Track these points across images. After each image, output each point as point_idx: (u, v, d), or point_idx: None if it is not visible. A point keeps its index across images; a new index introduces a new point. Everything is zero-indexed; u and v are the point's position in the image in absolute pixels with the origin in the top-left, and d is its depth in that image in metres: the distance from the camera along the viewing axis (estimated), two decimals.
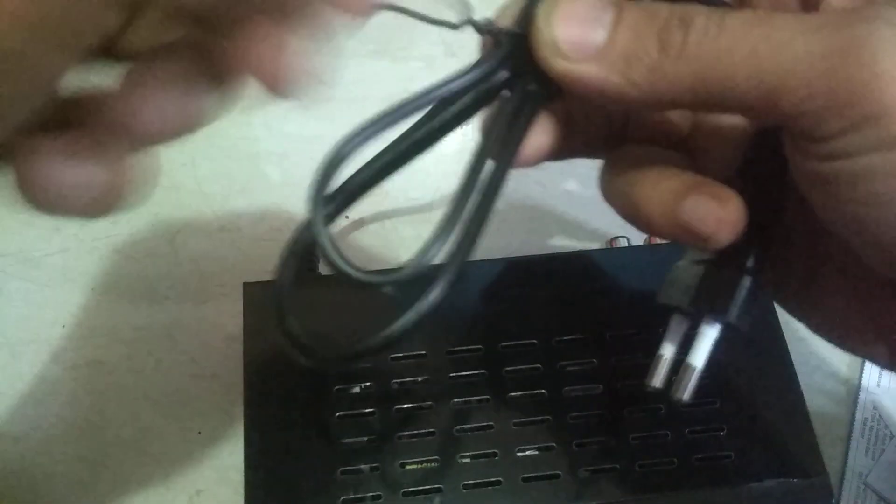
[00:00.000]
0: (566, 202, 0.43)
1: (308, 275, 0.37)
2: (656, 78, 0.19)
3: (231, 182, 0.44)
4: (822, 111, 0.18)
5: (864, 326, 0.24)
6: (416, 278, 0.20)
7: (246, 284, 0.35)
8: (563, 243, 0.42)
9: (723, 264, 0.23)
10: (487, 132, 0.22)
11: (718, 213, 0.21)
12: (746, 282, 0.23)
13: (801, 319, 0.27)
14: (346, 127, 0.48)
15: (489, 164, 0.21)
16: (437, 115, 0.22)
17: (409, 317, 0.20)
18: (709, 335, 0.24)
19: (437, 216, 0.43)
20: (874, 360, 0.26)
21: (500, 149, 0.22)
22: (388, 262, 0.42)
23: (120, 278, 0.41)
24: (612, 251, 0.39)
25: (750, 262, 0.23)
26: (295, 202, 0.44)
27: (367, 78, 0.47)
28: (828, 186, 0.19)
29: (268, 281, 0.35)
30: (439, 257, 0.20)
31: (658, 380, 0.26)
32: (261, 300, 0.35)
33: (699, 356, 0.24)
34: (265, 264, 0.41)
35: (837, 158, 0.18)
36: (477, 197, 0.21)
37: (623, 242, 0.39)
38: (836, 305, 0.25)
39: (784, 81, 0.18)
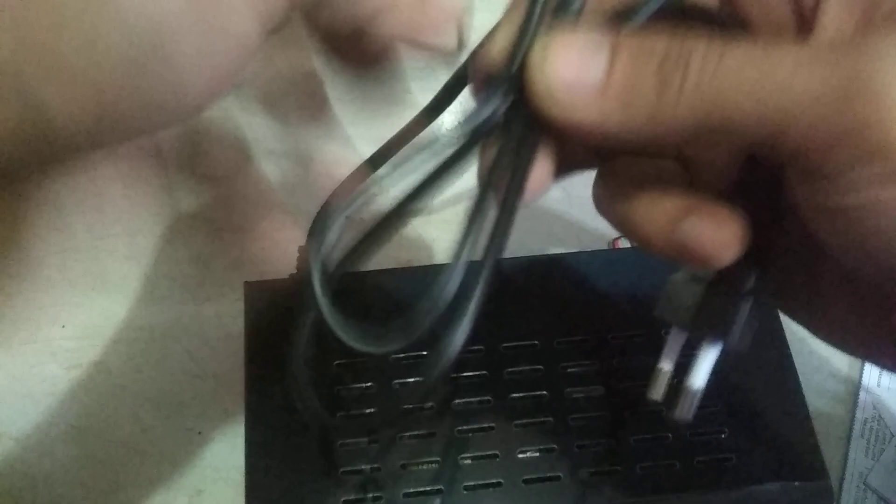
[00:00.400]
0: (567, 202, 0.43)
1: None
2: (656, 120, 0.19)
3: (231, 181, 0.44)
4: (828, 147, 0.17)
5: (866, 329, 0.24)
6: (420, 339, 0.20)
7: (247, 283, 0.35)
8: (564, 244, 0.42)
9: (722, 285, 0.23)
10: (487, 179, 0.21)
11: (718, 235, 0.21)
12: (747, 304, 0.23)
13: (802, 324, 0.27)
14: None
15: (492, 212, 0.21)
16: (433, 170, 0.21)
17: (424, 386, 0.20)
18: (709, 357, 0.24)
19: (436, 216, 0.43)
20: (878, 363, 0.26)
21: (503, 195, 0.21)
22: (387, 262, 0.42)
23: (120, 278, 0.41)
24: (613, 252, 0.39)
25: (750, 284, 0.23)
26: (295, 202, 0.44)
27: None
28: (835, 220, 0.19)
29: (269, 280, 0.35)
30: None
31: (658, 393, 0.26)
32: (262, 299, 0.35)
33: (699, 378, 0.24)
34: (265, 264, 0.42)
35: (844, 193, 0.18)
36: (483, 246, 0.21)
37: (625, 243, 0.39)
38: (837, 309, 0.24)
39: (787, 119, 0.17)
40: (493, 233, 0.21)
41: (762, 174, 0.23)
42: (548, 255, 0.36)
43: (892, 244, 0.18)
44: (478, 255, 0.21)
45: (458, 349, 0.20)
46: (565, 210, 0.43)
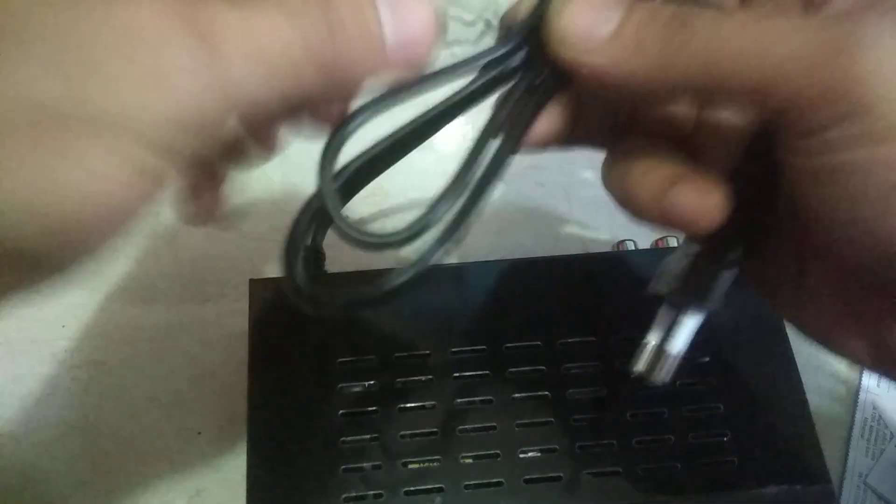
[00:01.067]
0: (569, 204, 0.43)
1: (316, 272, 0.37)
2: (658, 69, 0.21)
3: (231, 182, 0.44)
4: (810, 105, 0.19)
5: (848, 326, 0.25)
6: (414, 239, 0.21)
7: (252, 282, 0.35)
8: (566, 246, 0.42)
9: (706, 257, 0.25)
10: (498, 111, 0.23)
11: (701, 203, 0.22)
12: (729, 274, 0.24)
13: (791, 321, 0.27)
14: None
15: (497, 142, 0.23)
16: (448, 98, 0.23)
17: (410, 271, 0.21)
18: (688, 323, 0.25)
19: None
20: (859, 361, 0.26)
21: (508, 128, 0.23)
22: (388, 262, 0.42)
23: (120, 278, 0.41)
24: (618, 254, 0.39)
25: (732, 256, 0.24)
26: (295, 202, 0.43)
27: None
28: (815, 181, 0.20)
29: (274, 278, 0.35)
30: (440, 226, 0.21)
31: (641, 364, 0.27)
32: (266, 297, 0.35)
33: (677, 342, 0.26)
34: (266, 264, 0.42)
35: (824, 153, 0.19)
36: (480, 169, 0.22)
37: (630, 246, 0.39)
38: (822, 305, 0.25)
39: (776, 75, 0.19)
40: (494, 154, 0.22)
41: (759, 155, 0.24)
42: (553, 255, 0.36)
43: (866, 209, 0.19)
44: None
45: (436, 256, 0.21)
46: (568, 212, 0.43)
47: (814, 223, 0.21)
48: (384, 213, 0.43)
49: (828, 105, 0.18)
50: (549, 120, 0.24)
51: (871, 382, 0.40)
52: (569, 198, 0.43)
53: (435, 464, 0.32)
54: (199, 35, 0.18)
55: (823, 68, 0.18)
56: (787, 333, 0.34)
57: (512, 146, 0.23)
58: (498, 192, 0.43)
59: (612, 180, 0.25)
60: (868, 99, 0.18)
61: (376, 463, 0.32)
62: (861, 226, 0.20)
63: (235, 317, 0.40)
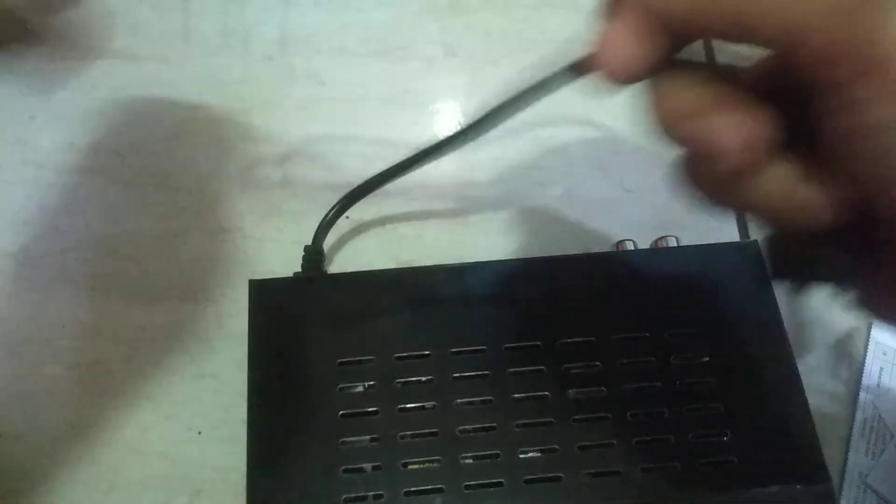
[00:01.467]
0: (569, 203, 0.43)
1: (315, 273, 0.37)
2: (693, 8, 0.20)
3: (231, 182, 0.44)
4: (835, 59, 0.18)
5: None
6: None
7: (252, 282, 0.35)
8: (569, 246, 0.42)
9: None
10: None
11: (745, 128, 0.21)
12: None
13: (860, 303, 0.26)
14: (346, 127, 0.48)
15: None
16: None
17: None
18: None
19: (436, 217, 0.43)
20: None
21: None
22: (387, 262, 0.42)
23: (120, 278, 0.41)
24: (618, 254, 0.39)
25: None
26: (295, 202, 0.44)
27: (368, 78, 0.47)
28: (847, 143, 0.20)
29: (274, 279, 0.35)
30: None
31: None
32: (266, 298, 0.35)
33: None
34: (265, 264, 0.42)
35: (849, 111, 0.19)
36: None
37: (630, 246, 0.39)
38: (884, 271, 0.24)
39: (805, 28, 0.19)
40: None
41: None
42: (552, 256, 0.36)
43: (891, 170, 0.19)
44: None
45: None
46: (567, 211, 0.43)
47: (853, 183, 0.21)
48: (385, 215, 0.43)
49: (850, 60, 0.18)
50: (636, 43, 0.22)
51: (870, 382, 0.40)
52: (569, 198, 0.43)
53: (435, 464, 0.32)
54: None
55: (847, 21, 0.18)
56: (787, 333, 0.34)
57: None
58: (498, 192, 0.43)
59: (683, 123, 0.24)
60: (888, 54, 0.18)
61: (376, 463, 0.32)
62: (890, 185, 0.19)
63: (235, 317, 0.40)
